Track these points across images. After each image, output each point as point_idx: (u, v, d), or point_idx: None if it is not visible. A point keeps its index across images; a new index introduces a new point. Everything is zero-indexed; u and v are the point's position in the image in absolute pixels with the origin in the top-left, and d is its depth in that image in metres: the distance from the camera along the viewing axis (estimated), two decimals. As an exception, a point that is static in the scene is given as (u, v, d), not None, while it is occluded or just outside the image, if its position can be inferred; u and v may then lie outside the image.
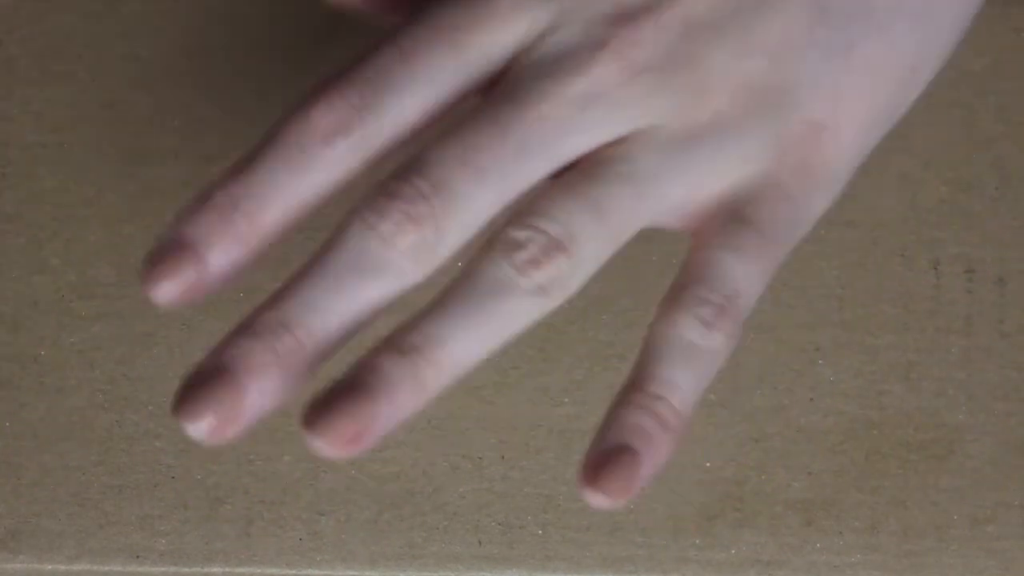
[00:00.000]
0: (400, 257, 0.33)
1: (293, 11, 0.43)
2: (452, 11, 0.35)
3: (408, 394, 0.33)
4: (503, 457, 0.42)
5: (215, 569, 0.41)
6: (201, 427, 0.32)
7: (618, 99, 0.34)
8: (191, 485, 0.42)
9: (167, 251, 0.33)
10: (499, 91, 0.35)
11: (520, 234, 0.34)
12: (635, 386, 0.34)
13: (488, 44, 0.35)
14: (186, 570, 0.41)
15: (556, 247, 0.34)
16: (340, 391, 0.32)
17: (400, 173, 0.34)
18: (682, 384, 0.34)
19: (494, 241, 0.34)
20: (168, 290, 0.33)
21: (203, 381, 0.32)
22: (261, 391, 0.33)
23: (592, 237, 0.34)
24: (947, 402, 0.42)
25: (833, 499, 0.41)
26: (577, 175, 0.34)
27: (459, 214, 0.33)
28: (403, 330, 0.33)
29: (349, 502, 0.41)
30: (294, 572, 0.41)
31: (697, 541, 0.41)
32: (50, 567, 0.41)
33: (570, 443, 0.42)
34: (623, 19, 0.34)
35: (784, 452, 0.41)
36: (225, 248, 0.33)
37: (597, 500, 0.33)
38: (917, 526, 0.41)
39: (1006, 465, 0.41)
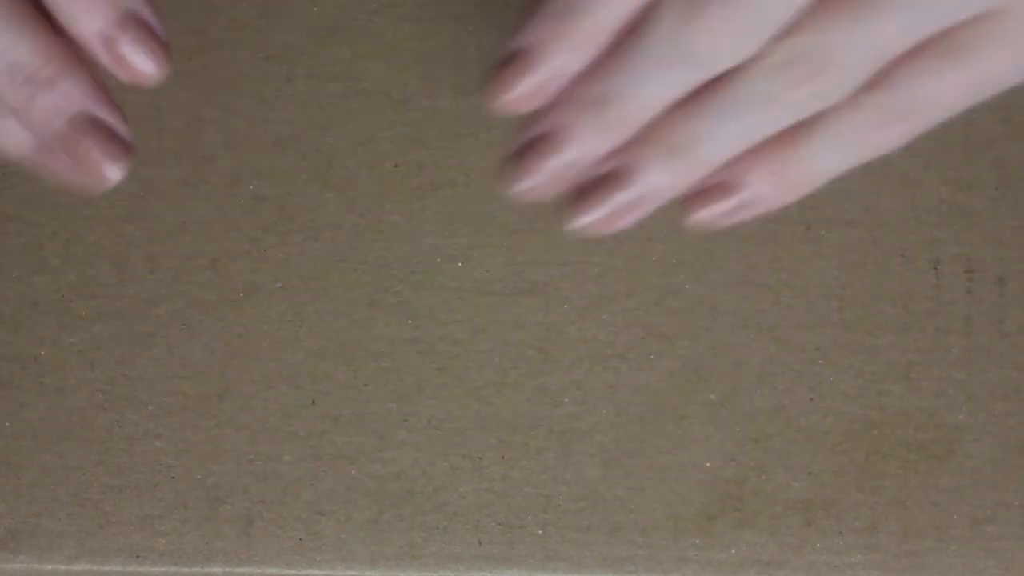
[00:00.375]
0: (709, 50, 0.35)
1: (292, 11, 0.43)
2: None
3: (665, 181, 0.36)
4: (503, 457, 0.42)
5: (215, 569, 0.41)
6: (530, 184, 0.36)
7: None
8: (191, 485, 0.42)
9: (512, 59, 0.36)
10: None
11: (788, 50, 0.36)
12: (780, 135, 0.37)
13: None
14: (186, 570, 0.41)
15: (820, 67, 0.35)
16: (603, 178, 0.36)
17: None
18: (824, 156, 0.36)
19: (764, 53, 0.36)
20: (517, 94, 0.36)
21: (533, 146, 0.36)
22: (581, 152, 0.36)
23: (854, 55, 0.35)
24: (947, 402, 0.42)
25: (833, 499, 0.41)
26: None
27: (760, 13, 0.35)
28: (666, 126, 0.36)
29: (349, 502, 0.41)
30: (294, 572, 0.41)
31: (697, 541, 0.41)
32: (50, 567, 0.41)
33: (570, 443, 0.42)
34: None
35: (784, 452, 0.41)
36: (561, 52, 0.36)
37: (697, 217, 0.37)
38: (917, 526, 0.41)
39: (1006, 465, 0.41)
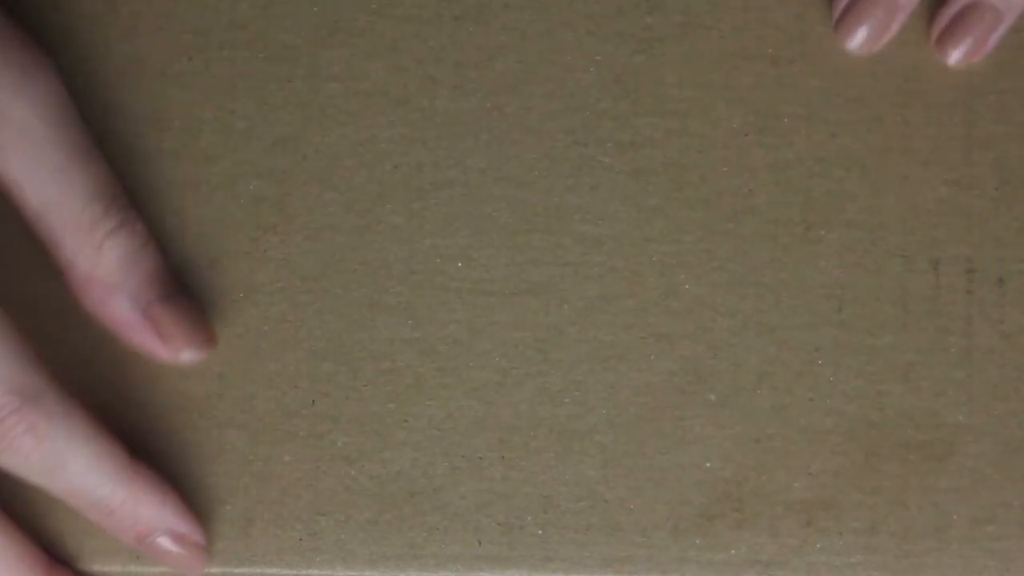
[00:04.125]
0: None
1: (293, 11, 0.43)
2: None
3: None
4: (503, 457, 0.42)
5: (215, 569, 0.41)
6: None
7: None
8: (191, 485, 0.42)
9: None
10: None
11: None
12: None
13: None
14: (186, 570, 0.41)
15: None
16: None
17: None
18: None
19: None
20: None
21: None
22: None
23: None
24: (947, 402, 0.42)
25: (833, 499, 0.41)
26: None
27: None
28: None
29: (349, 502, 0.41)
30: (294, 572, 0.41)
31: (697, 541, 0.41)
32: (50, 567, 0.41)
33: (570, 443, 0.42)
34: None
35: (784, 452, 0.41)
36: None
37: (954, 56, 0.41)
38: (917, 526, 0.41)
39: (1006, 465, 0.41)
